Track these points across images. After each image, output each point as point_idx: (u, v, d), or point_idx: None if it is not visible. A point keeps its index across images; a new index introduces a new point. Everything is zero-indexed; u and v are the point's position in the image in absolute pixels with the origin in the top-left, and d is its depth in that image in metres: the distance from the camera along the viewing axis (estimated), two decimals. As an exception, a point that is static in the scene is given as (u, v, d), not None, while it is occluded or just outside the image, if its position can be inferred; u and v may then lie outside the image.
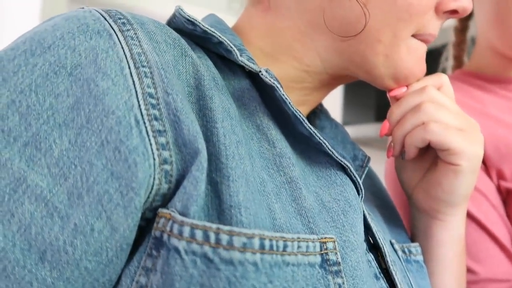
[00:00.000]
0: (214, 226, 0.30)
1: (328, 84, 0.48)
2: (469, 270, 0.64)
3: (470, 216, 0.65)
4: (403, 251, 0.47)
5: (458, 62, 0.87)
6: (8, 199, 0.29)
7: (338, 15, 0.42)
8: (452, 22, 0.86)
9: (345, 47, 0.43)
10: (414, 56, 0.44)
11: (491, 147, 0.68)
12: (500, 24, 0.70)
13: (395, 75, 0.44)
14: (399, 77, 0.44)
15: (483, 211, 0.66)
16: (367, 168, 0.49)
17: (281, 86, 0.39)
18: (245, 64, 0.40)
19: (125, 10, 0.36)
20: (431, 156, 0.49)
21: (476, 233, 0.66)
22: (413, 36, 0.43)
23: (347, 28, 0.42)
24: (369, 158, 0.49)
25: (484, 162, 0.68)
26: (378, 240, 0.43)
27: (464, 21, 0.86)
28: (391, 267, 0.42)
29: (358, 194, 0.43)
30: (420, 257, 0.49)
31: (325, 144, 0.41)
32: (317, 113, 0.53)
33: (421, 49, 0.44)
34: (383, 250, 0.42)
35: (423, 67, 0.45)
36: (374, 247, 0.44)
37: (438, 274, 0.51)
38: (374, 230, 0.43)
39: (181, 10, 0.42)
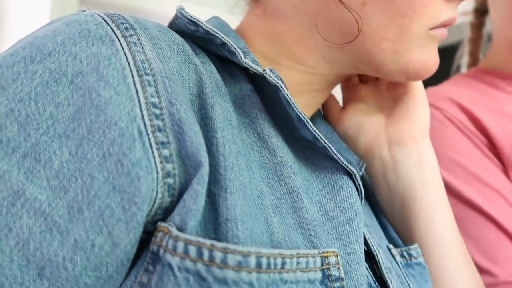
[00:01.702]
0: (208, 242, 0.29)
1: (335, 84, 0.47)
2: (488, 272, 0.62)
3: (488, 216, 0.64)
4: (402, 256, 0.46)
5: (474, 59, 0.86)
6: (5, 213, 0.28)
7: (337, 17, 0.40)
8: (467, 18, 0.85)
9: (350, 46, 0.42)
10: (427, 50, 0.42)
11: (508, 146, 0.66)
12: None
13: (406, 70, 0.43)
14: (410, 72, 0.43)
15: (502, 211, 0.64)
16: (361, 173, 0.47)
17: (286, 87, 0.38)
18: (249, 66, 0.38)
19: (132, 11, 0.34)
20: None
21: (494, 234, 0.64)
22: (431, 29, 0.41)
23: (349, 30, 0.40)
24: (363, 164, 0.48)
25: (502, 161, 0.67)
26: (371, 247, 0.41)
27: (480, 17, 0.84)
28: (385, 275, 0.40)
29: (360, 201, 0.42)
30: (421, 259, 0.47)
31: (330, 148, 0.40)
32: (313, 117, 0.50)
33: (440, 37, 0.43)
34: (376, 258, 0.41)
35: (436, 60, 0.43)
36: (368, 255, 0.42)
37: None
38: (367, 237, 0.41)
39: (183, 10, 0.40)
